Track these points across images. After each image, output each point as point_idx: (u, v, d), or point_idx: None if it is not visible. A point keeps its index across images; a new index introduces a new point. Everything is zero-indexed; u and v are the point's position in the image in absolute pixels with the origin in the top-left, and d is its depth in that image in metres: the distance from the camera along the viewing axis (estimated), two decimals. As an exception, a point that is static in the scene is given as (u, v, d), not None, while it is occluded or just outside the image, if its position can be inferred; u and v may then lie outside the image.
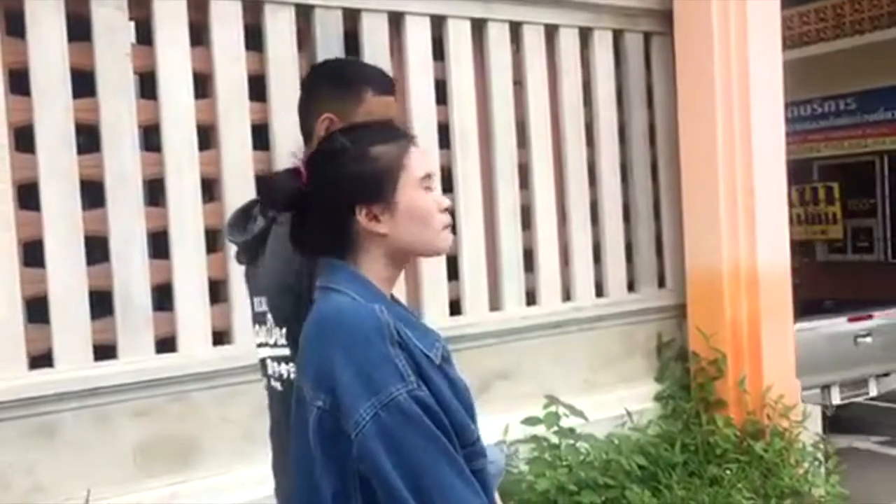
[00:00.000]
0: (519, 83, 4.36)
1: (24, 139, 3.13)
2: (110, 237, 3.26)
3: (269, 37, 3.60)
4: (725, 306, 4.56)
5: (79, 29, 3.20)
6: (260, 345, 1.79)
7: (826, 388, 5.55)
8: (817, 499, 4.23)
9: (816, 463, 4.40)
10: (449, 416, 1.31)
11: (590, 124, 4.63)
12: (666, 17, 4.77)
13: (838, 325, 5.83)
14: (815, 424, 4.70)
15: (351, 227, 1.40)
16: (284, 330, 1.66)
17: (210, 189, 3.52)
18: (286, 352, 1.65)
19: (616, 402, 4.42)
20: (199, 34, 3.49)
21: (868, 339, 5.93)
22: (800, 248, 7.61)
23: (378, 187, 1.39)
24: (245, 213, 1.84)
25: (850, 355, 5.75)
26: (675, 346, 4.84)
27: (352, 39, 3.80)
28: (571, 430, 3.97)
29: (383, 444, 1.25)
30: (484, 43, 4.23)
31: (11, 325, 3.05)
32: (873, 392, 6.09)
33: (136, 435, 3.27)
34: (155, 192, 3.42)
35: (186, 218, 3.40)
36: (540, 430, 3.96)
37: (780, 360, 4.61)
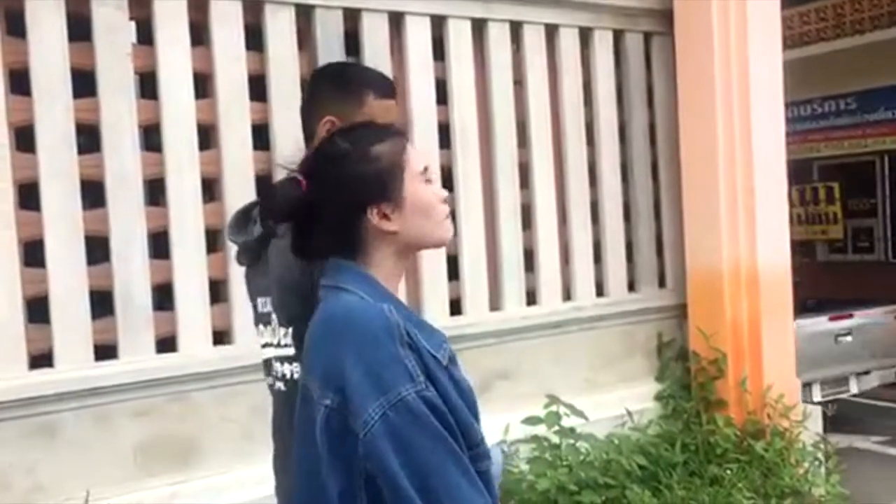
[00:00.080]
0: (519, 83, 4.36)
1: (24, 139, 3.14)
2: (111, 237, 3.26)
3: (270, 37, 3.60)
4: (726, 306, 4.56)
5: (79, 29, 3.20)
6: (265, 345, 1.79)
7: (807, 385, 5.60)
8: (817, 498, 4.23)
9: (817, 463, 4.40)
10: (455, 416, 1.32)
11: (590, 124, 4.63)
12: (666, 16, 4.77)
13: (819, 324, 5.94)
14: (816, 424, 4.70)
15: (360, 228, 1.40)
16: (290, 330, 1.66)
17: (210, 189, 3.52)
18: (290, 352, 1.66)
19: (616, 401, 4.43)
20: (200, 34, 3.49)
21: (848, 338, 6.10)
22: (800, 248, 7.61)
23: (386, 186, 1.40)
24: (245, 215, 1.85)
25: (830, 354, 5.87)
26: (676, 346, 4.84)
27: (352, 39, 3.80)
28: (572, 430, 3.97)
29: (391, 443, 1.25)
30: (484, 43, 4.23)
31: (12, 325, 3.06)
32: (854, 390, 6.21)
33: (137, 435, 3.27)
34: (155, 191, 3.42)
35: (187, 218, 3.40)
36: (540, 429, 3.96)
37: (781, 360, 4.61)
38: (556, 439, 3.96)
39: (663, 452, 4.21)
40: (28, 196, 3.15)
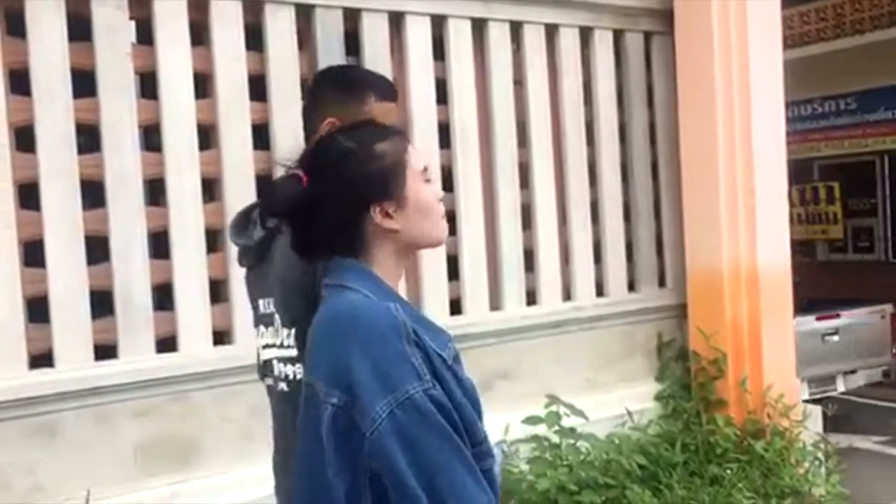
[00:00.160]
0: (519, 82, 4.36)
1: (24, 139, 3.14)
2: (111, 237, 3.26)
3: (270, 36, 3.60)
4: (726, 306, 4.56)
5: (79, 29, 3.20)
6: (266, 346, 1.79)
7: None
8: (818, 498, 4.23)
9: (817, 462, 4.40)
10: (460, 414, 1.32)
11: (590, 123, 4.63)
12: (666, 16, 4.77)
13: (806, 323, 5.99)
14: (816, 424, 4.70)
15: (363, 226, 1.41)
16: (293, 331, 1.66)
17: (210, 189, 3.52)
18: (293, 353, 1.66)
19: (616, 401, 4.43)
20: (200, 34, 3.49)
21: (835, 338, 6.21)
22: (800, 248, 7.61)
23: (389, 184, 1.40)
24: (246, 217, 1.85)
25: (817, 353, 5.94)
26: (676, 346, 4.84)
27: (352, 39, 3.80)
28: (572, 430, 3.97)
29: (399, 442, 1.25)
30: (484, 42, 4.23)
31: (12, 325, 3.06)
32: (841, 388, 6.32)
33: (137, 434, 3.27)
34: (155, 191, 3.43)
35: (187, 218, 3.40)
36: (541, 429, 3.96)
37: (781, 360, 4.61)
38: (556, 439, 3.96)
39: (663, 452, 4.21)
40: (28, 196, 3.15)
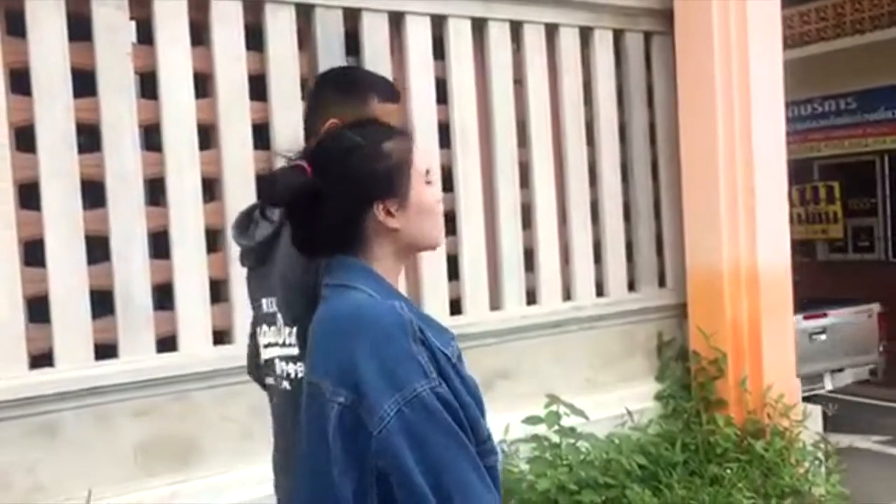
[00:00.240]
0: (519, 82, 4.36)
1: (24, 139, 3.14)
2: (111, 236, 3.26)
3: (270, 36, 3.60)
4: (726, 306, 4.56)
5: (79, 28, 3.20)
6: (267, 345, 1.80)
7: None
8: (818, 498, 4.23)
9: (817, 462, 4.40)
10: (465, 412, 1.33)
11: (590, 123, 4.63)
12: (666, 16, 4.77)
13: (794, 322, 5.97)
14: (816, 424, 4.70)
15: (364, 223, 1.41)
16: (295, 329, 1.67)
17: (211, 188, 3.52)
18: (295, 351, 1.67)
19: (616, 401, 4.43)
20: (200, 34, 3.49)
21: (822, 337, 6.29)
22: (800, 248, 7.62)
23: (394, 183, 1.41)
24: (247, 217, 1.86)
25: (805, 351, 5.98)
26: (676, 346, 4.84)
27: (352, 39, 3.80)
28: (572, 430, 3.97)
29: (407, 440, 1.25)
30: (484, 42, 4.23)
31: (12, 325, 3.06)
32: (829, 386, 6.39)
33: (137, 434, 3.27)
34: (155, 191, 3.43)
35: (187, 217, 3.40)
36: (541, 429, 3.96)
37: (781, 360, 4.61)
38: (556, 439, 3.96)
39: (663, 452, 4.21)
40: (28, 196, 3.15)
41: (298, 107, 3.62)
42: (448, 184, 4.04)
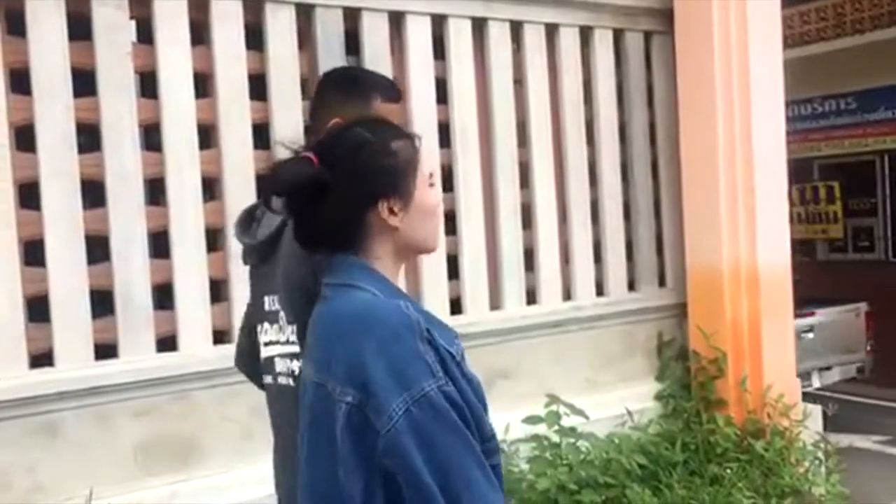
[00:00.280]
0: (519, 82, 4.36)
1: (24, 138, 3.13)
2: (111, 236, 3.26)
3: (270, 36, 3.60)
4: (726, 305, 4.56)
5: (79, 28, 3.20)
6: (267, 343, 1.80)
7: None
8: (818, 498, 4.23)
9: (817, 462, 4.40)
10: (470, 411, 1.33)
11: (590, 123, 4.63)
12: (666, 16, 4.77)
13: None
14: (816, 423, 4.70)
15: (367, 220, 1.41)
16: (296, 327, 1.67)
17: (211, 188, 3.52)
18: (297, 349, 1.67)
19: (616, 401, 4.43)
20: (200, 33, 3.49)
21: (810, 335, 6.34)
22: (800, 248, 7.62)
23: (399, 181, 1.41)
24: (250, 215, 1.87)
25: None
26: (676, 346, 4.84)
27: (352, 38, 3.80)
28: (572, 429, 3.97)
29: (415, 439, 1.26)
30: (484, 42, 4.23)
31: (12, 325, 3.06)
32: (816, 384, 6.46)
33: (137, 434, 3.27)
34: (156, 191, 3.43)
35: (187, 217, 3.40)
36: (541, 428, 3.96)
37: (781, 360, 4.61)
38: (556, 438, 3.96)
39: (663, 452, 4.21)
40: (28, 195, 3.15)
41: (298, 107, 3.63)
42: (448, 184, 4.04)
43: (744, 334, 4.55)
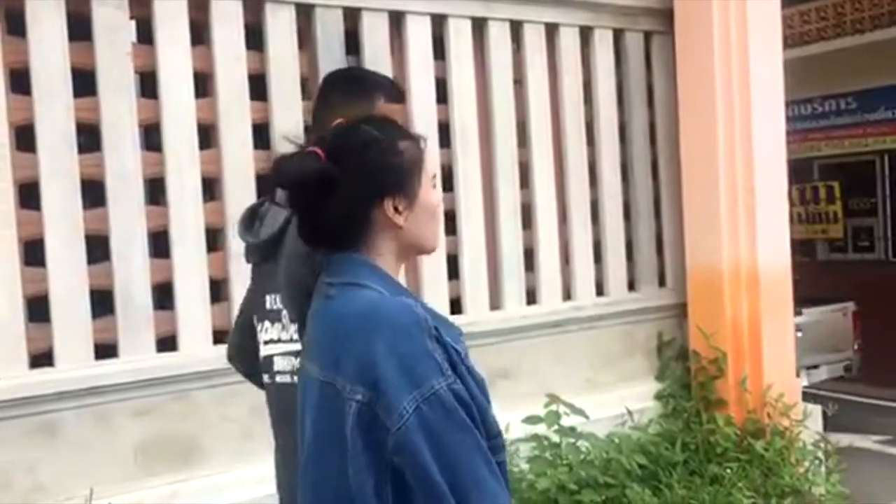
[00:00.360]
0: (519, 82, 4.36)
1: (24, 138, 3.14)
2: (111, 236, 3.26)
3: (270, 36, 3.60)
4: (726, 305, 4.56)
5: (79, 28, 3.20)
6: (267, 342, 1.80)
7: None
8: (818, 497, 4.23)
9: (817, 462, 4.40)
10: (477, 408, 1.34)
11: (590, 123, 4.63)
12: (666, 16, 4.77)
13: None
14: (816, 423, 4.70)
15: (373, 217, 1.41)
16: (298, 325, 1.68)
17: (211, 188, 3.52)
18: (300, 347, 1.67)
19: (616, 401, 4.43)
20: (200, 33, 3.49)
21: (798, 334, 6.30)
22: (800, 248, 7.63)
23: (405, 180, 1.42)
24: (253, 214, 1.87)
25: None
26: (676, 345, 4.84)
27: (352, 38, 3.80)
28: (572, 429, 3.97)
29: (425, 437, 1.26)
30: (484, 42, 4.23)
31: (12, 324, 3.06)
32: (804, 382, 6.45)
33: (137, 434, 3.27)
34: (156, 191, 3.43)
35: (187, 217, 3.40)
36: (541, 428, 3.96)
37: (781, 359, 4.61)
38: (556, 438, 3.96)
39: (663, 451, 4.21)
40: (28, 195, 3.15)
41: (298, 106, 3.63)
42: (448, 183, 4.04)
43: (744, 334, 4.55)
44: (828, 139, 9.54)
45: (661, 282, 4.92)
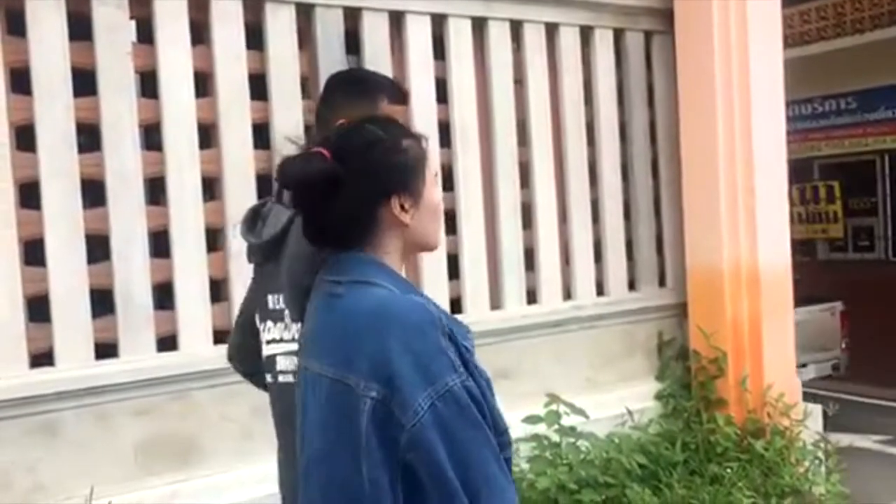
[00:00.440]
0: (519, 81, 4.36)
1: (25, 138, 3.13)
2: (111, 236, 3.26)
3: (270, 35, 3.60)
4: (726, 305, 4.56)
5: (79, 28, 3.20)
6: (270, 341, 1.81)
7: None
8: (818, 497, 4.23)
9: (817, 462, 4.40)
10: (487, 405, 1.35)
11: (590, 123, 4.63)
12: (666, 15, 4.76)
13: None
14: (816, 423, 4.70)
15: (378, 215, 1.42)
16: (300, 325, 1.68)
17: (211, 188, 3.52)
18: None
19: (617, 400, 4.42)
20: (200, 33, 3.49)
21: None
22: (800, 247, 7.63)
23: (410, 179, 1.44)
24: (255, 213, 1.88)
25: None
26: (676, 345, 4.84)
27: (352, 38, 3.80)
28: (572, 429, 3.97)
29: (439, 434, 1.27)
30: (485, 41, 4.23)
31: (12, 324, 3.06)
32: None
33: (137, 433, 3.27)
34: (156, 190, 3.43)
35: (187, 216, 3.40)
36: (541, 428, 3.96)
37: (781, 359, 4.61)
38: (556, 438, 3.96)
39: (663, 451, 4.21)
40: (28, 195, 3.15)
41: (298, 106, 3.63)
42: (448, 183, 4.04)
43: (744, 334, 4.55)
44: (828, 139, 9.55)
45: (662, 281, 4.93)
